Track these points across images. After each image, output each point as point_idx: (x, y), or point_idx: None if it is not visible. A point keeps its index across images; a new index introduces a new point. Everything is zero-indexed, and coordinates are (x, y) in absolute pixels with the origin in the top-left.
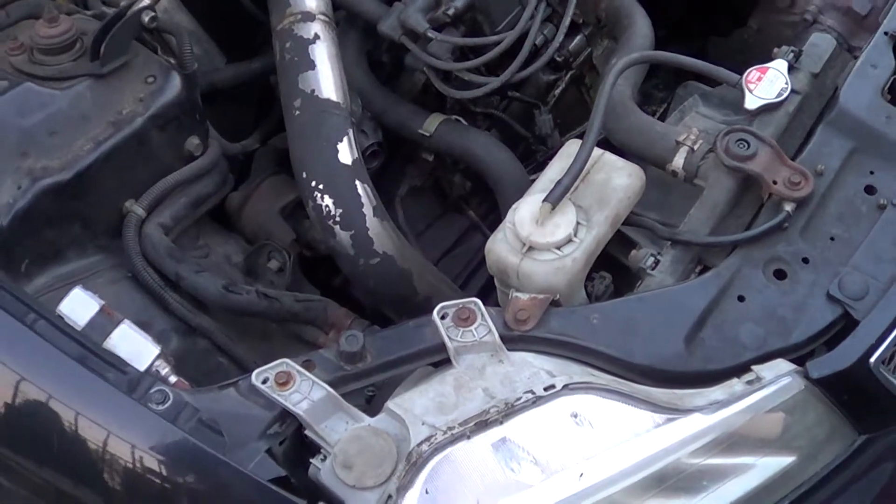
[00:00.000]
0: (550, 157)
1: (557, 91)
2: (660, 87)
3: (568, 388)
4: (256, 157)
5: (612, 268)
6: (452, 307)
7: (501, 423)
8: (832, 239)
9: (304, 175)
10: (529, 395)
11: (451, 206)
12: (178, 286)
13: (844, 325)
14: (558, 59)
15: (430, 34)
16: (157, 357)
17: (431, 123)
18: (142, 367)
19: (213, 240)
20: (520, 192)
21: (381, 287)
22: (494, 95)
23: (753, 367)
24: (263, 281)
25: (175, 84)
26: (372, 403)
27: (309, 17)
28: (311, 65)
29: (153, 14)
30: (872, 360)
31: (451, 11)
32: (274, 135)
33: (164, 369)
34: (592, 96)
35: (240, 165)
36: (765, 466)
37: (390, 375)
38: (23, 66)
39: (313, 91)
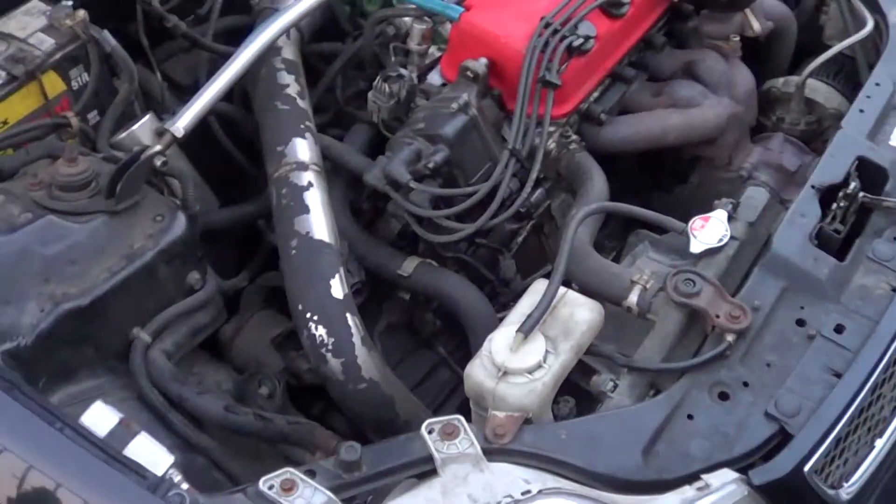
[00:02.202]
0: (514, 299)
1: (519, 239)
2: (610, 238)
3: (542, 493)
4: (245, 293)
5: (575, 392)
6: (438, 423)
7: None
8: (768, 365)
9: (300, 307)
10: (509, 499)
11: (423, 342)
12: (180, 406)
13: (781, 440)
14: (521, 210)
15: (412, 185)
16: (171, 465)
17: (409, 265)
18: (158, 474)
19: (205, 368)
20: (488, 328)
21: (366, 410)
22: (463, 242)
23: (702, 476)
24: (254, 406)
25: (181, 223)
26: None
27: (303, 166)
28: (306, 209)
29: (164, 159)
30: (807, 468)
31: (430, 165)
32: (259, 274)
33: (177, 477)
34: (550, 243)
35: (229, 301)
36: None
37: (383, 484)
38: (42, 200)
39: (308, 233)
